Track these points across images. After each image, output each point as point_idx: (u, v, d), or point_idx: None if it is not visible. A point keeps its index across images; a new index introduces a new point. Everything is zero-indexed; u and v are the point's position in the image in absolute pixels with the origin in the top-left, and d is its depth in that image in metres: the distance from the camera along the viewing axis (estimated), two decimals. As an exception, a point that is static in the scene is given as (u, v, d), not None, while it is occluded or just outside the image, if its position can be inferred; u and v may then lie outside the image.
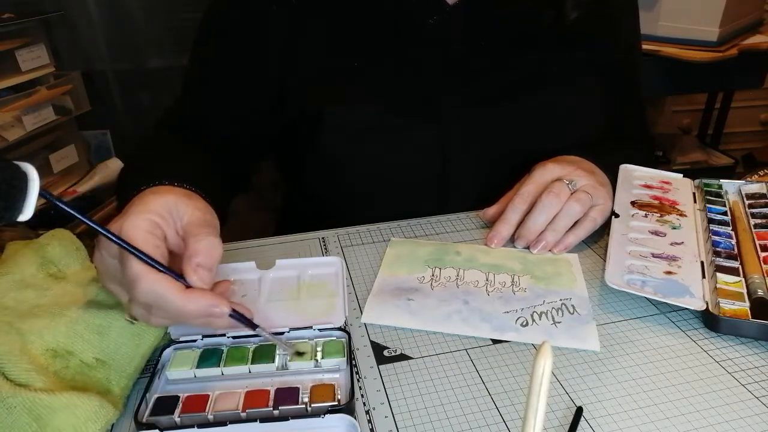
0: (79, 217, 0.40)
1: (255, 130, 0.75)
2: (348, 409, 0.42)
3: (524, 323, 0.53)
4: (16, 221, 0.38)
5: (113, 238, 0.42)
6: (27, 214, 0.38)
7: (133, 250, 0.42)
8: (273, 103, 0.72)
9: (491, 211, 0.68)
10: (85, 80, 1.71)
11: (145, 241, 0.43)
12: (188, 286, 0.43)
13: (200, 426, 0.42)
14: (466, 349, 0.50)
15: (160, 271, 0.42)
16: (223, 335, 0.49)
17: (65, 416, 0.40)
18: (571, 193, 0.63)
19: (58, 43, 1.73)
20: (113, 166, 1.73)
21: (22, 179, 0.38)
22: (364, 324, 0.54)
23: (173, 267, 0.44)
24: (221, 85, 0.72)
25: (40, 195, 0.38)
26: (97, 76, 1.83)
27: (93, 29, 1.83)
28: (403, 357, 0.50)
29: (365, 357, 0.50)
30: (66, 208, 0.40)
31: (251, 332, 0.46)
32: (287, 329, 0.50)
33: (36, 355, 0.45)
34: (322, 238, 0.68)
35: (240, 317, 0.45)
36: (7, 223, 0.38)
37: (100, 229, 0.42)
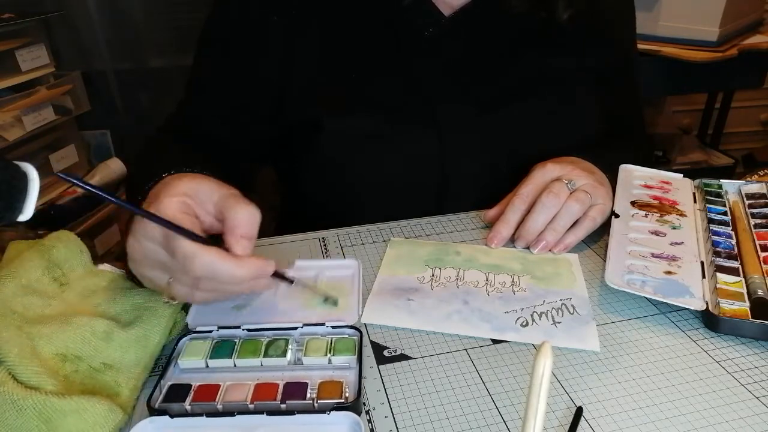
0: (119, 202, 0.43)
1: (255, 136, 0.75)
2: (354, 407, 0.43)
3: (524, 323, 0.53)
4: (16, 221, 0.38)
5: (162, 222, 0.43)
6: (27, 214, 0.38)
7: (179, 230, 0.44)
8: (273, 111, 0.72)
9: (492, 212, 0.68)
10: (85, 80, 1.71)
11: (183, 221, 0.45)
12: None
13: (209, 415, 0.43)
14: (466, 349, 0.50)
15: (210, 245, 0.45)
16: (238, 327, 0.50)
17: (74, 420, 0.40)
18: (570, 193, 0.63)
19: (58, 43, 1.73)
20: (113, 165, 1.73)
21: (22, 179, 0.38)
22: (364, 324, 0.54)
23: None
24: (221, 93, 0.73)
25: (74, 184, 0.40)
26: (97, 76, 1.83)
27: (93, 29, 1.83)
28: (403, 357, 0.50)
29: (365, 357, 0.50)
30: (101, 193, 0.42)
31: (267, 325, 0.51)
32: (300, 325, 0.50)
33: (46, 358, 0.45)
34: (322, 238, 0.68)
35: (281, 276, 0.51)
36: (7, 223, 0.38)
37: (145, 214, 0.44)
